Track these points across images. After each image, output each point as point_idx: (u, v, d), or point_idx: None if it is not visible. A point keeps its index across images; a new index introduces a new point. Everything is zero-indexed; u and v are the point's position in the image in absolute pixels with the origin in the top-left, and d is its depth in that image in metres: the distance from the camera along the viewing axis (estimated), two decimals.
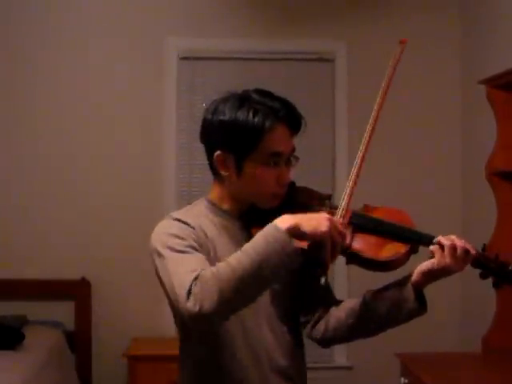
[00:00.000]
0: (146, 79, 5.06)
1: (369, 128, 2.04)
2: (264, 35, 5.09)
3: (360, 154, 2.02)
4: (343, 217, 1.91)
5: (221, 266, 1.72)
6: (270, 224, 1.77)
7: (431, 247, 1.93)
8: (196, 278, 1.71)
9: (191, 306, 1.68)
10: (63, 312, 4.94)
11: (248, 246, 1.75)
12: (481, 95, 4.16)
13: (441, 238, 1.93)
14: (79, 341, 4.91)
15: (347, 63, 5.09)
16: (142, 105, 5.05)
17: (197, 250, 1.86)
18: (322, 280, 1.81)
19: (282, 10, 5.12)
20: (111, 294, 4.92)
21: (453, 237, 1.93)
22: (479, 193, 4.51)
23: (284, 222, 1.76)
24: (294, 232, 1.74)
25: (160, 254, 1.87)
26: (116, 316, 4.95)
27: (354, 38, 5.09)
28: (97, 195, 5.00)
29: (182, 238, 1.88)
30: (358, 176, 1.99)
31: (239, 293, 1.70)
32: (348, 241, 1.93)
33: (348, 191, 1.98)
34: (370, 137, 2.04)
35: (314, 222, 1.76)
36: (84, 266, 4.94)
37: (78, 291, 4.93)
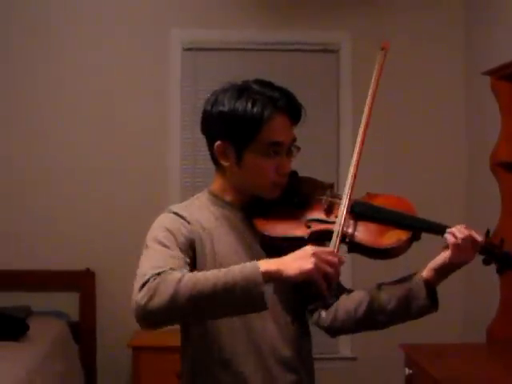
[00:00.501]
0: (150, 70, 5.05)
1: (360, 131, 2.07)
2: (268, 26, 5.07)
3: (357, 148, 2.07)
4: (336, 244, 1.86)
5: (187, 275, 1.71)
6: (254, 262, 1.73)
7: (448, 239, 1.90)
8: (158, 274, 1.71)
9: (140, 297, 1.68)
10: (67, 303, 4.96)
11: (223, 270, 1.72)
12: (485, 86, 4.15)
13: (453, 230, 1.90)
14: (83, 331, 4.93)
15: (352, 54, 5.08)
16: (145, 96, 5.04)
17: (180, 249, 1.86)
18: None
19: (286, 0, 5.11)
20: (115, 284, 4.92)
21: (463, 229, 1.90)
22: (483, 184, 4.50)
23: (266, 264, 1.72)
24: (277, 277, 1.71)
25: (146, 245, 1.90)
26: (120, 307, 4.91)
27: (359, 28, 5.08)
28: (101, 187, 5.00)
29: (170, 232, 1.89)
30: (357, 168, 2.02)
31: (191, 306, 1.68)
32: (349, 230, 1.93)
33: (348, 187, 1.97)
34: (362, 141, 2.08)
35: (298, 262, 1.71)
36: (88, 256, 4.95)
37: (82, 282, 4.94)
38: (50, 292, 4.96)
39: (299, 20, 5.09)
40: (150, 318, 1.69)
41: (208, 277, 1.70)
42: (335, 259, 1.76)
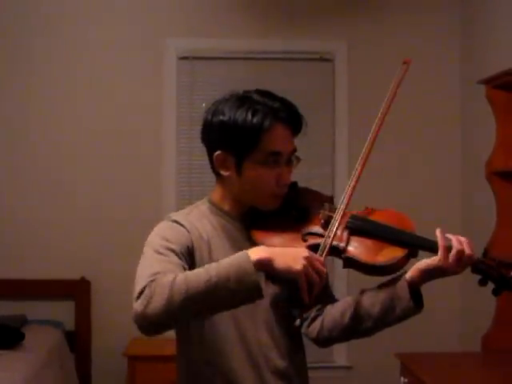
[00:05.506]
0: (145, 79, 5.05)
1: (367, 145, 2.09)
2: (263, 35, 5.09)
3: (360, 161, 2.06)
4: (324, 251, 1.87)
5: (180, 276, 1.71)
6: (243, 251, 1.75)
7: (439, 241, 1.87)
8: (152, 281, 1.71)
9: (138, 305, 1.70)
10: (63, 312, 4.95)
11: (213, 265, 1.74)
12: (480, 95, 4.16)
13: (452, 238, 1.88)
14: (79, 340, 4.92)
15: (347, 63, 5.09)
16: (141, 105, 5.04)
17: (178, 256, 1.86)
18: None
19: (281, 9, 5.12)
20: (111, 293, 4.92)
21: (462, 239, 1.88)
22: (479, 192, 4.51)
23: (257, 252, 1.74)
24: (265, 267, 1.73)
25: (143, 252, 1.90)
26: (116, 315, 4.93)
27: (354, 37, 5.09)
28: (96, 195, 5.00)
29: (168, 241, 1.89)
30: (356, 183, 1.99)
31: (186, 307, 1.69)
32: (344, 244, 1.92)
33: (345, 199, 1.96)
34: (369, 151, 2.08)
35: (289, 258, 1.74)
36: (83, 265, 4.94)
37: (77, 291, 4.93)
38: (46, 301, 4.95)
39: (294, 29, 5.10)
40: (148, 323, 1.70)
41: (198, 274, 1.71)
42: (324, 269, 1.78)
